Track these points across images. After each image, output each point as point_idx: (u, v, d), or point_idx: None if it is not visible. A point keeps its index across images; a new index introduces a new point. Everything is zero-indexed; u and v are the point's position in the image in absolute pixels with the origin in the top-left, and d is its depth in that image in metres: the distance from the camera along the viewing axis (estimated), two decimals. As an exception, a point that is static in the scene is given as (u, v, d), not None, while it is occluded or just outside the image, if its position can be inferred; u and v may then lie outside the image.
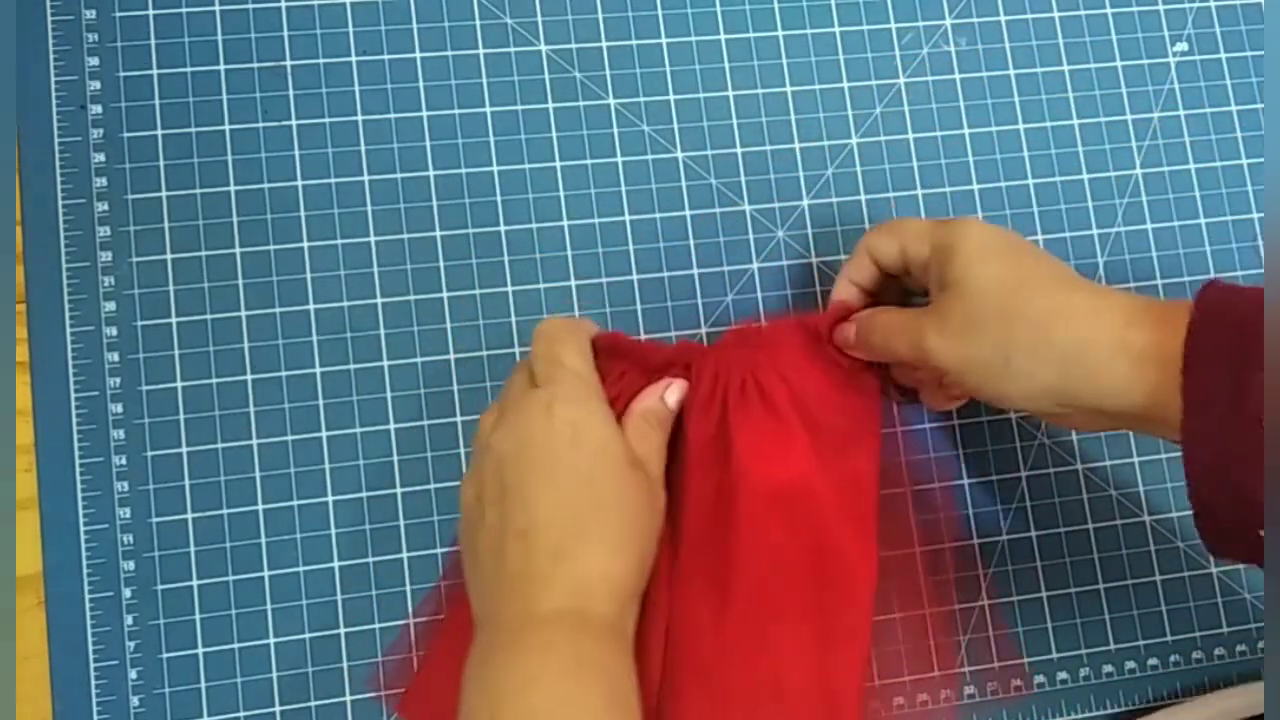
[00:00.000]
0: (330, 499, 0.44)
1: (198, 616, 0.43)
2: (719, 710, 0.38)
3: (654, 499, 0.39)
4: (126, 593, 0.43)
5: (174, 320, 0.44)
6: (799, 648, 0.39)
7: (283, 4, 0.47)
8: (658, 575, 0.39)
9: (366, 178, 0.46)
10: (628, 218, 0.47)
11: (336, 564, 0.44)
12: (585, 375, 0.39)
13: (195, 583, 0.43)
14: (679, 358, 0.41)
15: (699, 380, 0.41)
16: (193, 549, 0.43)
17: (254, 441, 0.44)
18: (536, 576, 0.35)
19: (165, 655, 0.42)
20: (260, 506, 0.43)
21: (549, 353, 0.39)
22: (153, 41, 0.46)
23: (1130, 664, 0.46)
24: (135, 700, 0.42)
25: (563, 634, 0.34)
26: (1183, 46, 0.51)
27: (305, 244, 0.45)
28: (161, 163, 0.45)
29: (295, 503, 0.44)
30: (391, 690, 0.43)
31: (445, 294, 0.46)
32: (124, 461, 0.43)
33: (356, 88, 0.47)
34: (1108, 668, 0.46)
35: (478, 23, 0.48)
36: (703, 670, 0.39)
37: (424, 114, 0.47)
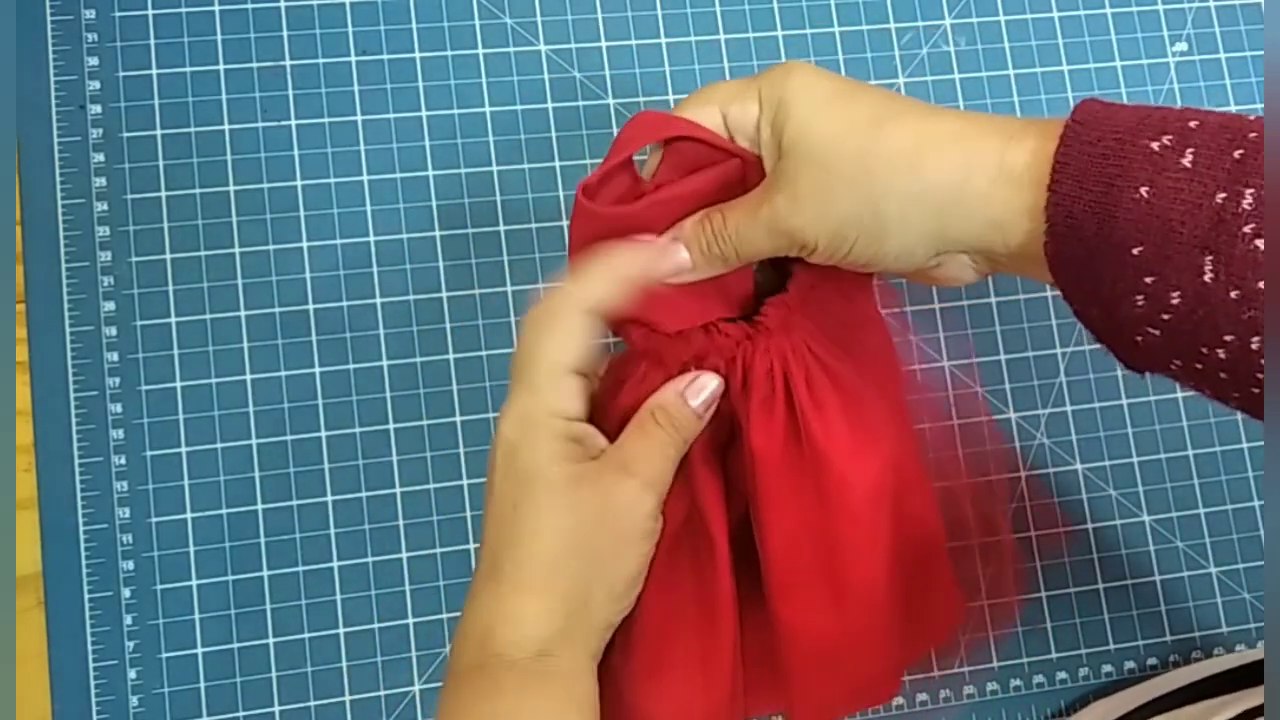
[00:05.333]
0: (330, 499, 0.44)
1: (197, 616, 0.43)
2: (842, 687, 0.37)
3: (614, 517, 0.33)
4: (126, 593, 0.43)
5: (173, 320, 0.44)
6: (898, 621, 0.37)
7: (282, 4, 0.47)
8: (715, 571, 0.35)
9: (366, 178, 0.46)
10: (627, 218, 0.47)
11: (336, 564, 0.44)
12: (552, 378, 0.33)
13: (194, 583, 0.43)
14: (714, 350, 0.35)
15: (753, 379, 0.35)
16: (192, 549, 0.43)
17: (253, 441, 0.44)
18: (459, 622, 0.33)
19: (164, 655, 0.42)
20: (260, 506, 0.43)
21: (523, 349, 0.34)
22: (152, 41, 0.46)
23: (1130, 664, 0.46)
24: (135, 700, 0.42)
25: (467, 695, 0.32)
26: (1182, 46, 0.51)
27: (305, 244, 0.45)
28: (161, 162, 0.45)
29: (295, 503, 0.44)
30: None
31: (444, 294, 0.46)
32: (123, 461, 0.43)
33: (356, 87, 0.47)
34: (1107, 668, 0.46)
35: (477, 23, 0.48)
36: (824, 662, 0.36)
37: (423, 114, 0.47)
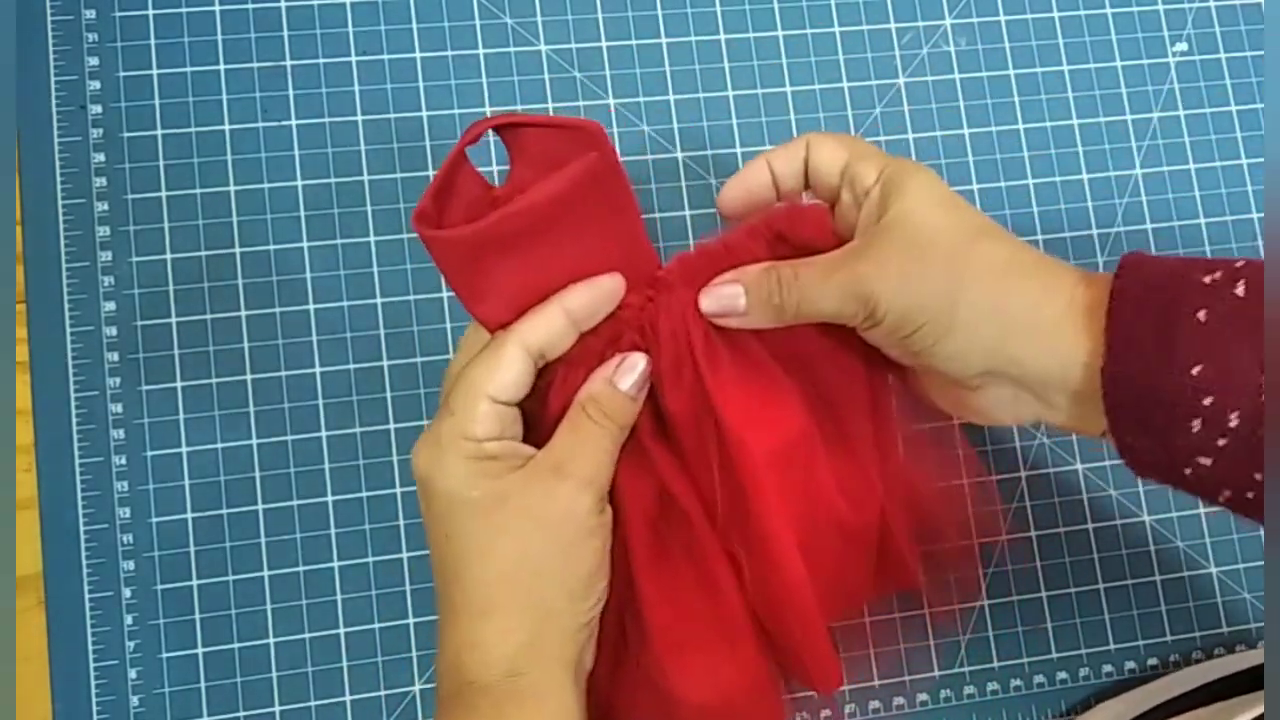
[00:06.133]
0: (330, 499, 0.44)
1: (197, 616, 0.43)
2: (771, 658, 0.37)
3: (552, 523, 0.32)
4: (126, 593, 0.43)
5: (174, 320, 0.44)
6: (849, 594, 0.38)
7: (282, 4, 0.47)
8: (704, 545, 0.35)
9: (366, 178, 0.46)
10: (627, 218, 0.47)
11: (336, 564, 0.44)
12: (468, 402, 0.32)
13: (195, 583, 0.43)
14: (625, 327, 0.35)
15: (659, 345, 0.34)
16: (192, 549, 0.43)
17: (254, 441, 0.44)
18: (436, 656, 0.34)
19: (165, 655, 0.42)
20: (260, 506, 0.43)
21: (447, 374, 0.35)
22: (152, 41, 0.46)
23: (1130, 664, 0.46)
24: (135, 700, 0.42)
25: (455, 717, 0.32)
26: (1182, 46, 0.51)
27: (305, 244, 0.45)
28: (161, 162, 0.45)
29: (295, 503, 0.44)
30: None
31: (444, 294, 0.46)
32: (124, 461, 0.43)
33: (356, 88, 0.47)
34: (1107, 668, 0.46)
35: (478, 23, 0.48)
36: (757, 631, 0.36)
37: (424, 114, 0.47)
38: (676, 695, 0.35)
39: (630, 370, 0.34)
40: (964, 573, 0.43)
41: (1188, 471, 0.30)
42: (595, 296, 0.34)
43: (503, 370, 0.32)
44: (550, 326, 0.33)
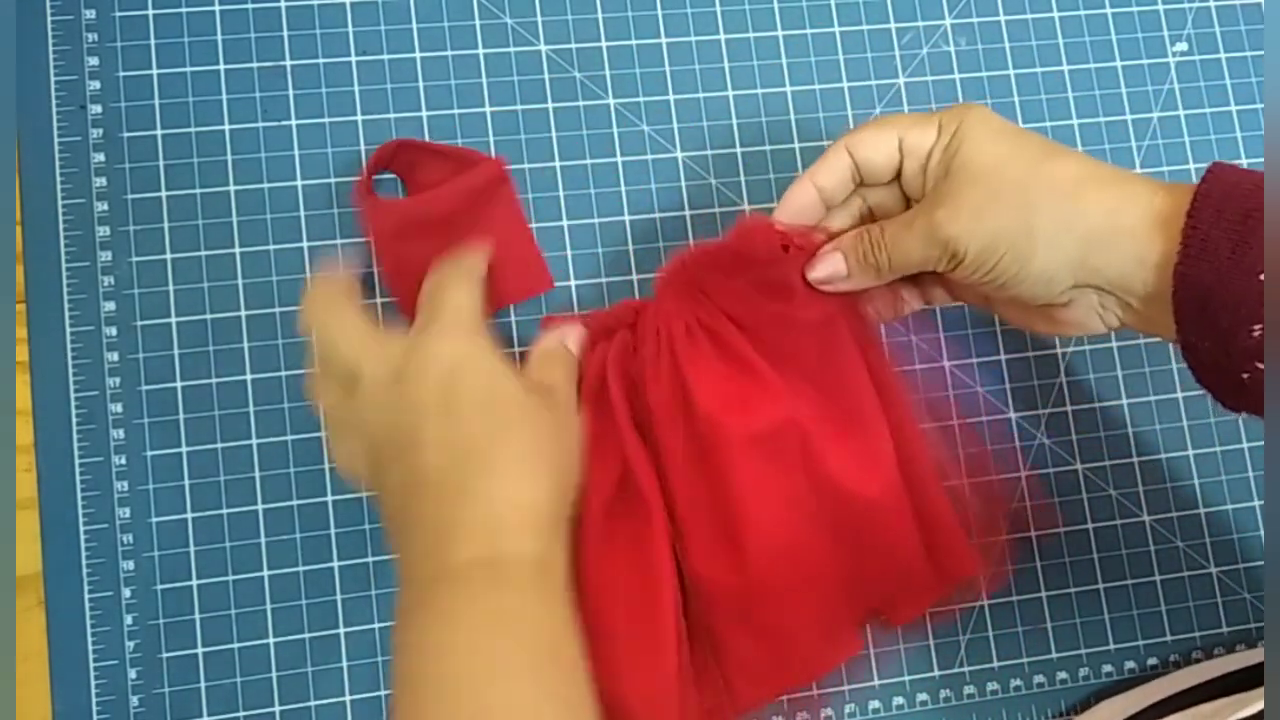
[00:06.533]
0: (330, 499, 0.44)
1: (197, 616, 0.43)
2: (767, 648, 0.38)
3: (564, 423, 0.37)
4: (126, 592, 0.43)
5: (173, 320, 0.44)
6: (828, 578, 0.39)
7: (282, 4, 0.47)
8: (652, 538, 0.38)
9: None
10: (627, 217, 0.47)
11: (336, 564, 0.44)
12: (468, 310, 0.37)
13: (195, 582, 0.43)
14: (616, 322, 0.40)
15: (642, 339, 0.39)
16: (192, 549, 0.43)
17: (253, 441, 0.44)
18: (445, 526, 0.33)
19: (165, 655, 0.42)
20: (260, 506, 0.43)
21: (440, 296, 0.37)
22: (152, 41, 0.46)
23: (1130, 664, 0.46)
24: (135, 700, 0.42)
25: (478, 587, 0.32)
26: (1182, 46, 0.51)
27: (305, 244, 0.45)
28: (161, 162, 0.45)
29: (295, 503, 0.44)
30: None
31: (445, 294, 0.46)
32: (123, 461, 0.43)
33: (356, 88, 0.47)
34: (1107, 668, 0.46)
35: (478, 23, 0.48)
36: (741, 617, 0.38)
37: (424, 114, 0.47)
38: (599, 684, 0.35)
39: (574, 334, 0.41)
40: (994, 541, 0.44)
41: (1245, 376, 0.31)
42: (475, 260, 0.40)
43: (476, 291, 0.38)
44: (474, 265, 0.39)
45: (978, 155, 0.34)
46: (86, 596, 0.42)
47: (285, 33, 0.47)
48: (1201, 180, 0.32)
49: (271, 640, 0.43)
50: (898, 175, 0.38)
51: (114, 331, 0.44)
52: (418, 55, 0.47)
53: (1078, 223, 0.33)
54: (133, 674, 0.42)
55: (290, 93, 0.46)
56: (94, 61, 0.45)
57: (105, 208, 0.45)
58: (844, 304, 0.40)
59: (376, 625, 0.43)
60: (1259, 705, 0.34)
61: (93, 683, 0.42)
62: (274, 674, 0.43)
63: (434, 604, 0.32)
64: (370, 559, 0.44)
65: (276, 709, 0.42)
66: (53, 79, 0.45)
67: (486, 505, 0.33)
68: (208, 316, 0.44)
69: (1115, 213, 0.33)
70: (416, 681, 0.31)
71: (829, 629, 0.40)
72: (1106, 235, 0.33)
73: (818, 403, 0.38)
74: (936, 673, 0.45)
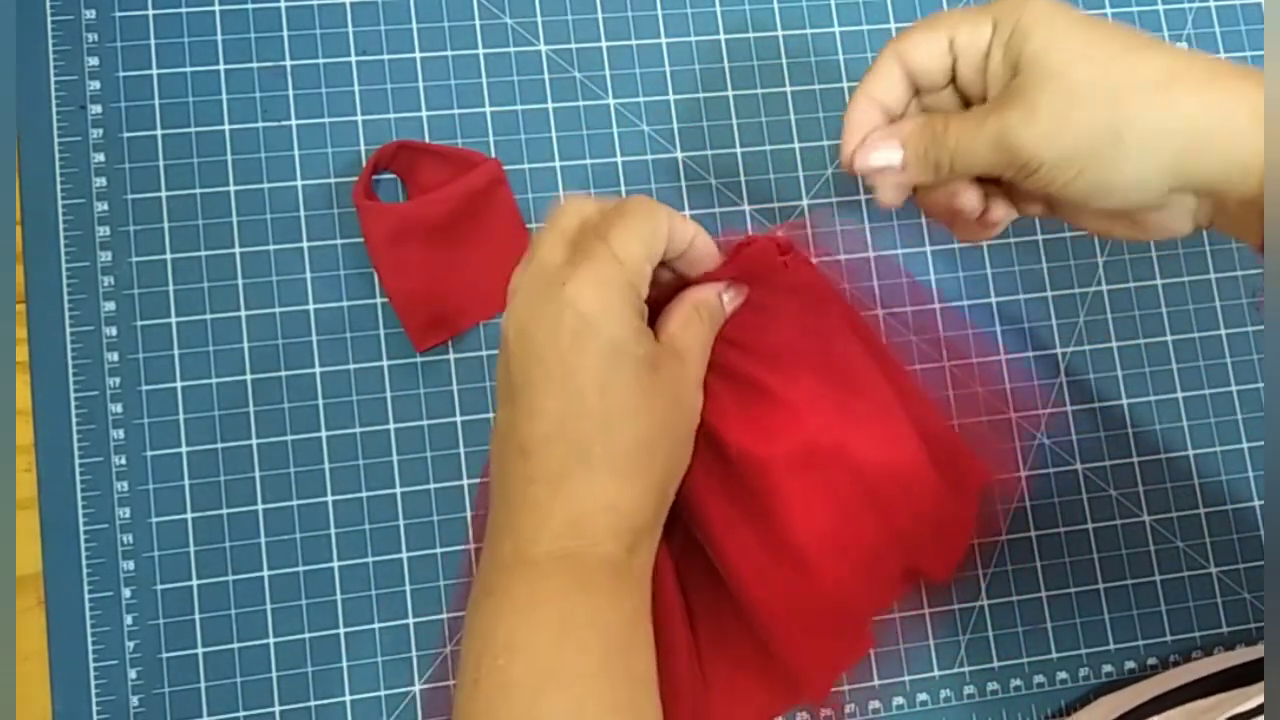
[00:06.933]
0: (330, 499, 0.44)
1: (197, 616, 0.43)
2: (838, 642, 0.38)
3: (685, 406, 0.33)
4: (126, 593, 0.43)
5: (173, 320, 0.44)
6: (881, 558, 0.38)
7: (282, 4, 0.47)
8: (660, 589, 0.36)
9: (366, 178, 0.46)
10: (627, 218, 0.47)
11: (336, 564, 0.44)
12: (628, 261, 0.32)
13: (195, 582, 0.43)
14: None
15: None
16: (192, 549, 0.43)
17: (253, 441, 0.44)
18: (532, 508, 0.31)
19: (165, 655, 0.42)
20: (260, 506, 0.43)
21: (611, 222, 0.32)
22: (152, 41, 0.46)
23: (1130, 664, 0.46)
24: (135, 700, 0.42)
25: (553, 585, 0.30)
26: (1182, 46, 0.51)
27: (305, 244, 0.45)
28: (161, 163, 0.45)
29: (295, 503, 0.44)
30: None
31: (445, 294, 0.46)
32: (123, 461, 0.43)
33: (356, 88, 0.47)
34: (1108, 668, 0.46)
35: (478, 23, 0.48)
36: (810, 624, 0.37)
37: (424, 114, 0.47)
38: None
39: (736, 295, 0.35)
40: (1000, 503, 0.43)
41: None
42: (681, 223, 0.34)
43: (660, 238, 0.33)
44: (685, 226, 0.34)
45: (1050, 49, 0.31)
46: (86, 596, 0.42)
47: (285, 33, 0.47)
48: None
49: (271, 640, 0.43)
50: (954, 78, 0.35)
51: (114, 331, 0.44)
52: (418, 55, 0.47)
53: (1173, 123, 0.30)
54: (133, 674, 0.42)
55: (290, 93, 0.46)
56: (94, 61, 0.45)
57: (105, 208, 0.45)
58: (833, 291, 0.39)
59: (377, 625, 0.43)
60: (1257, 700, 0.33)
61: (93, 683, 0.42)
62: (274, 674, 0.43)
63: (507, 593, 0.31)
64: (370, 559, 0.44)
65: (276, 709, 0.42)
66: (53, 79, 0.45)
67: (579, 502, 0.31)
68: (208, 316, 0.44)
69: (1215, 110, 0.30)
70: (480, 675, 0.30)
71: (883, 601, 0.40)
72: (1206, 136, 0.30)
73: (831, 398, 0.37)
74: (936, 673, 0.45)
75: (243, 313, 0.45)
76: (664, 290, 0.35)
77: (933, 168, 0.34)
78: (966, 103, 0.36)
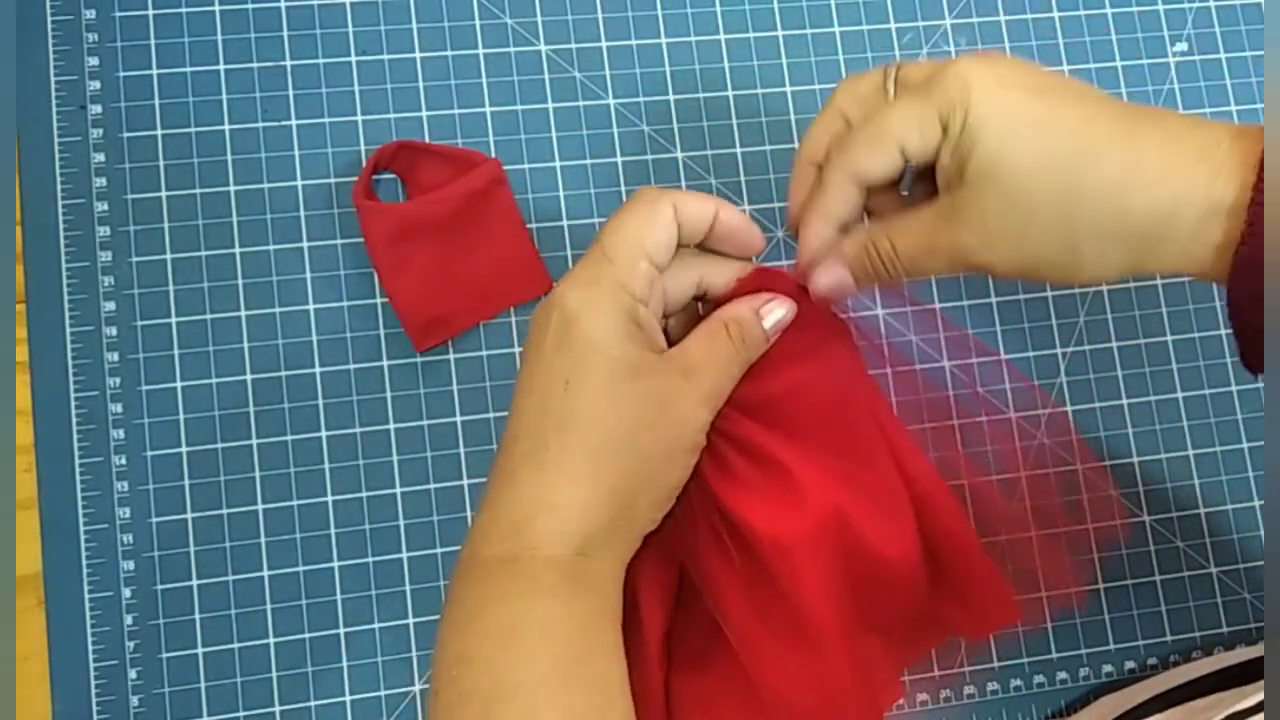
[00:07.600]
0: (330, 499, 0.44)
1: (197, 616, 0.43)
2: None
3: (672, 420, 0.31)
4: (126, 593, 0.42)
5: (173, 320, 0.44)
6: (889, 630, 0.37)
7: (282, 4, 0.47)
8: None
9: (366, 178, 0.46)
10: (627, 218, 0.47)
11: (336, 564, 0.44)
12: (630, 253, 0.31)
13: (195, 583, 0.43)
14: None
15: None
16: (192, 549, 0.43)
17: (253, 441, 0.44)
18: (487, 506, 0.31)
19: (165, 655, 0.42)
20: (260, 506, 0.43)
21: (607, 226, 0.32)
22: (152, 41, 0.46)
23: (1130, 664, 0.46)
24: (135, 700, 0.42)
25: (498, 590, 0.30)
26: (1183, 46, 0.51)
27: (305, 244, 0.45)
28: (161, 163, 0.45)
29: (295, 503, 0.44)
30: None
31: (445, 294, 0.46)
32: (124, 461, 0.43)
33: (356, 88, 0.46)
34: (1108, 668, 0.46)
35: (478, 23, 0.48)
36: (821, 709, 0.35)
37: (424, 114, 0.47)
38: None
39: (773, 312, 0.34)
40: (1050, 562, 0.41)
41: None
42: (726, 208, 0.34)
43: (659, 226, 0.32)
44: (701, 205, 0.33)
45: (999, 162, 0.30)
46: (86, 596, 0.42)
47: (285, 33, 0.47)
48: (1258, 175, 0.29)
49: (271, 640, 0.43)
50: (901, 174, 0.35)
51: (114, 331, 0.44)
52: (418, 55, 0.47)
53: (1128, 233, 0.30)
54: (133, 674, 0.42)
55: (290, 93, 0.46)
56: (94, 61, 0.45)
57: (105, 208, 0.44)
58: (838, 340, 0.37)
59: (376, 625, 0.43)
60: (1256, 698, 0.33)
61: (93, 683, 0.42)
62: (274, 674, 0.43)
63: (459, 599, 0.30)
64: (370, 559, 0.44)
65: (276, 709, 0.42)
66: (53, 79, 0.45)
67: (520, 503, 0.31)
68: (208, 316, 0.44)
69: (1170, 217, 0.30)
70: (439, 686, 0.30)
71: (904, 663, 0.39)
72: (1161, 237, 0.30)
73: (842, 471, 0.35)
74: (936, 673, 0.45)
75: (243, 313, 0.45)
76: (726, 295, 0.35)
77: (882, 282, 0.34)
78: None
